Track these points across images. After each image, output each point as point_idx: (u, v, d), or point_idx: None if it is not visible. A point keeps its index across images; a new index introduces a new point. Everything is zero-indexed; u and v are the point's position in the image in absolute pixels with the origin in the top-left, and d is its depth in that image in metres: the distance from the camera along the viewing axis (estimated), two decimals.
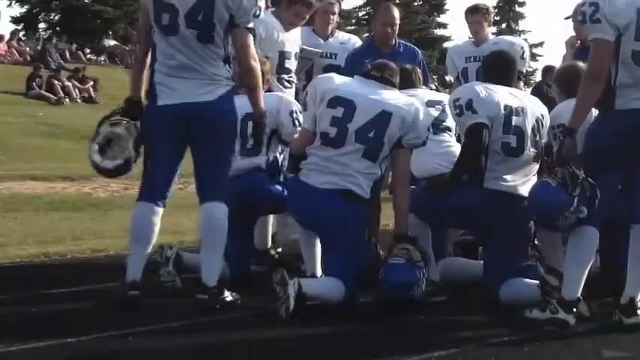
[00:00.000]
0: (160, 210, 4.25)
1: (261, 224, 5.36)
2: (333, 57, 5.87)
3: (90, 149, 4.34)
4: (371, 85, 4.44)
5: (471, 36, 6.38)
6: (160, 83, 4.24)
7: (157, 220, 4.23)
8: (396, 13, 5.87)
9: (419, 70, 5.30)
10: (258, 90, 4.37)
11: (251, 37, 4.24)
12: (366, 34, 33.99)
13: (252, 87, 4.36)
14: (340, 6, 6.21)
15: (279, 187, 4.76)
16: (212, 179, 4.25)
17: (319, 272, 4.53)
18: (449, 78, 7.06)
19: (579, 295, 3.95)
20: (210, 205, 4.22)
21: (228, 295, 4.26)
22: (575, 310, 3.93)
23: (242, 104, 4.44)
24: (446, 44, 38.95)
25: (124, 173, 4.44)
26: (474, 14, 6.21)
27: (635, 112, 3.90)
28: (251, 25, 4.23)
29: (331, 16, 5.95)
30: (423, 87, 5.39)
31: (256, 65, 4.28)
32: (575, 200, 3.85)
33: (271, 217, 5.38)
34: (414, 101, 4.49)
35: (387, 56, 5.13)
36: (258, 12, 4.23)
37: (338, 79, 4.52)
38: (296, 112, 4.87)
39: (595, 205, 3.87)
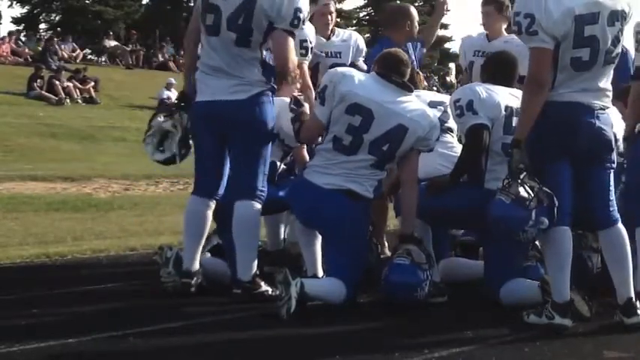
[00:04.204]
0: (212, 203, 4.46)
1: (273, 225, 5.37)
2: (338, 56, 5.86)
3: (145, 141, 4.58)
4: (389, 91, 4.38)
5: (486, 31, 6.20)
6: (200, 80, 4.43)
7: (209, 213, 4.47)
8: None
9: (421, 73, 5.32)
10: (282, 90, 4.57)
11: (288, 38, 4.26)
12: (367, 35, 34.00)
13: (279, 87, 4.51)
14: (336, 4, 6.21)
15: (271, 189, 4.74)
16: (242, 178, 4.39)
17: (320, 272, 4.53)
18: (450, 79, 7.01)
19: (569, 295, 3.93)
20: (240, 204, 4.37)
21: (264, 289, 4.37)
22: (569, 311, 3.93)
23: None
24: (447, 45, 38.97)
25: (172, 163, 4.64)
26: (486, 5, 6.02)
27: (566, 104, 3.88)
28: (289, 28, 4.24)
29: (329, 17, 5.94)
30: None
31: (288, 67, 4.28)
32: (534, 213, 3.79)
33: (284, 218, 5.37)
34: (429, 112, 4.46)
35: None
36: (296, 22, 4.24)
37: (357, 80, 4.39)
38: None
39: (555, 214, 3.82)
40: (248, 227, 4.38)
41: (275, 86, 4.45)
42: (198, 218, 4.45)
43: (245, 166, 4.39)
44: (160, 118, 4.55)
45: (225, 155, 4.47)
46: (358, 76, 4.48)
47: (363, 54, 6.01)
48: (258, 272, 4.44)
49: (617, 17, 3.88)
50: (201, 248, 4.50)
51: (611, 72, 3.99)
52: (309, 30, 5.28)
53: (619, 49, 3.94)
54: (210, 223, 4.50)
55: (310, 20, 5.85)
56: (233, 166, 4.46)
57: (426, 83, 5.45)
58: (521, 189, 3.80)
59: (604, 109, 3.95)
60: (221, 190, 4.48)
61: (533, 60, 3.87)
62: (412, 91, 4.49)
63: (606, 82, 3.96)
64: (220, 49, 4.31)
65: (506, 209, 3.83)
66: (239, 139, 4.35)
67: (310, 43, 5.30)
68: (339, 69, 4.60)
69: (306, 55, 5.29)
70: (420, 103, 4.50)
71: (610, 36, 3.86)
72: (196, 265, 4.46)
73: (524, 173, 3.82)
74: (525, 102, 3.92)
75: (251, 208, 4.37)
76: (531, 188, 3.80)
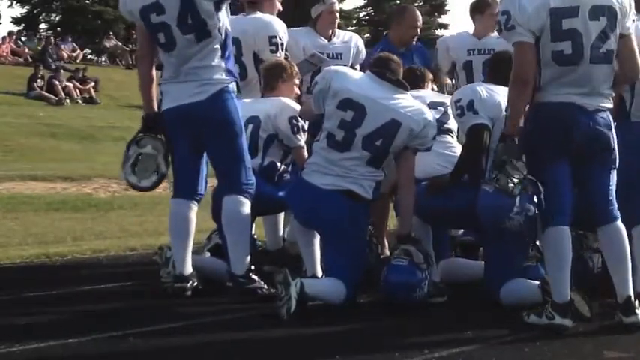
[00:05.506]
0: (194, 205, 4.52)
1: (272, 224, 5.37)
2: (339, 57, 5.84)
3: (124, 173, 4.53)
4: (384, 88, 4.41)
5: (471, 31, 6.12)
6: (164, 91, 4.50)
7: (192, 215, 4.50)
8: (420, 15, 6.04)
9: (429, 72, 5.33)
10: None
11: None
12: (367, 35, 33.95)
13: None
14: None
15: (271, 189, 4.75)
16: (226, 175, 4.49)
17: (320, 272, 4.53)
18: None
19: (569, 295, 3.93)
20: (228, 199, 4.44)
21: (258, 285, 4.41)
22: (569, 311, 3.92)
23: (243, 108, 4.57)
24: None
25: (154, 188, 4.64)
26: (493, 7, 5.78)
27: (558, 104, 3.89)
28: None
29: (336, 15, 5.95)
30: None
31: None
32: (518, 200, 3.84)
33: (282, 217, 5.38)
34: (424, 110, 4.47)
35: (404, 56, 5.27)
36: None
37: (351, 77, 4.48)
38: (296, 119, 4.82)
39: (540, 200, 3.87)
40: (237, 222, 4.43)
41: (238, 79, 4.55)
42: (183, 221, 4.48)
43: (224, 164, 4.48)
44: (137, 146, 4.52)
45: (201, 156, 4.53)
46: (352, 73, 4.58)
47: (362, 56, 6.01)
48: (253, 268, 4.46)
49: (603, 12, 3.86)
50: (190, 250, 4.50)
51: (609, 72, 3.95)
52: (278, 26, 5.30)
53: (610, 47, 3.90)
54: (194, 225, 4.51)
55: (316, 20, 5.87)
56: (214, 166, 4.54)
57: (433, 85, 5.45)
58: (504, 179, 3.84)
59: (600, 110, 3.94)
60: (201, 191, 4.54)
61: (516, 56, 3.92)
62: (408, 90, 4.50)
63: (603, 83, 3.93)
64: (181, 58, 4.38)
65: (490, 198, 3.89)
66: (210, 138, 4.42)
67: (280, 39, 5.30)
68: (333, 67, 4.68)
69: (276, 51, 5.29)
70: (414, 100, 4.50)
71: (594, 30, 3.85)
72: (189, 269, 4.45)
73: (509, 164, 3.85)
74: (511, 99, 3.96)
75: (238, 203, 4.42)
76: (516, 177, 3.83)
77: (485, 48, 5.70)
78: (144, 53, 4.59)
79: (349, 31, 7.17)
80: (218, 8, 4.33)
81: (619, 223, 4.03)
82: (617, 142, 4.02)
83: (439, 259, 4.71)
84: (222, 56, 4.40)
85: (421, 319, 4.14)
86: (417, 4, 40.18)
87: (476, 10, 5.93)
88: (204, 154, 4.54)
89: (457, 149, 4.86)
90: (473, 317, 4.17)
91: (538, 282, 4.20)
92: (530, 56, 3.86)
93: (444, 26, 40.59)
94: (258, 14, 5.35)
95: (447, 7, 41.59)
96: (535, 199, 3.88)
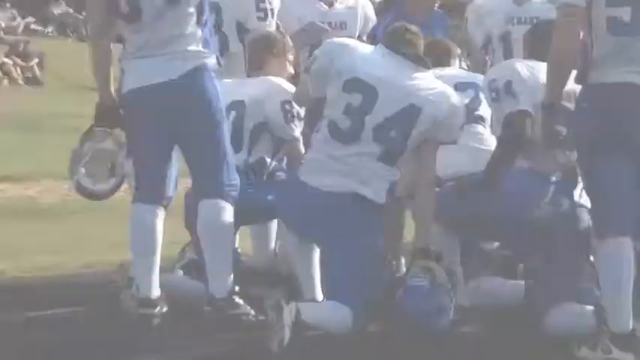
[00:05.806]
0: (160, 211, 4.50)
1: (261, 236, 5.44)
2: (343, 26, 5.86)
3: (75, 174, 4.57)
4: (400, 65, 4.42)
5: None
6: (126, 68, 4.50)
7: (158, 223, 4.49)
8: None
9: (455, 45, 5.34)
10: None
11: None
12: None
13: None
14: None
15: (259, 192, 4.77)
16: (202, 173, 4.49)
17: (320, 295, 4.52)
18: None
19: (631, 324, 3.92)
20: (203, 205, 4.45)
21: (244, 311, 4.43)
22: (632, 344, 3.89)
23: (225, 90, 4.58)
24: None
25: (118, 189, 4.68)
26: None
27: (609, 86, 3.91)
28: None
29: None
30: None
31: None
32: (551, 189, 3.99)
33: (273, 227, 5.39)
34: (450, 92, 4.49)
35: (422, 25, 5.20)
36: None
37: (359, 52, 4.50)
38: (290, 104, 4.86)
39: (574, 192, 4.00)
40: (217, 232, 4.45)
41: (218, 52, 4.61)
42: (147, 231, 4.48)
43: (201, 160, 4.48)
44: (92, 141, 4.56)
45: (171, 150, 4.54)
46: (360, 47, 4.60)
47: (372, 25, 6.01)
48: (237, 289, 4.47)
49: None
50: (157, 268, 4.49)
51: None
52: None
53: None
54: (161, 236, 4.50)
55: None
56: (189, 162, 4.54)
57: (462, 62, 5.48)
58: (562, 152, 3.98)
59: None
60: (169, 193, 4.54)
61: (559, 23, 3.95)
62: (429, 68, 4.52)
63: None
64: (147, 28, 4.40)
65: (520, 179, 4.14)
66: (183, 127, 4.44)
67: (270, 4, 5.34)
68: (337, 39, 4.72)
69: (265, 19, 5.30)
70: (437, 81, 4.53)
71: None
72: (156, 291, 4.45)
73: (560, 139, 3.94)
74: (550, 78, 4.02)
75: (218, 208, 4.43)
76: (559, 162, 4.01)
77: (528, 16, 5.69)
78: (99, 24, 4.58)
79: None
80: None
81: None
82: None
83: (468, 279, 4.71)
84: (198, 22, 4.41)
85: (446, 353, 4.14)
86: None
87: None
88: (175, 148, 4.54)
89: (490, 141, 4.86)
90: (510, 351, 4.19)
91: (592, 307, 4.19)
92: (578, 23, 3.89)
93: None
94: None
95: None
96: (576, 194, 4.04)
